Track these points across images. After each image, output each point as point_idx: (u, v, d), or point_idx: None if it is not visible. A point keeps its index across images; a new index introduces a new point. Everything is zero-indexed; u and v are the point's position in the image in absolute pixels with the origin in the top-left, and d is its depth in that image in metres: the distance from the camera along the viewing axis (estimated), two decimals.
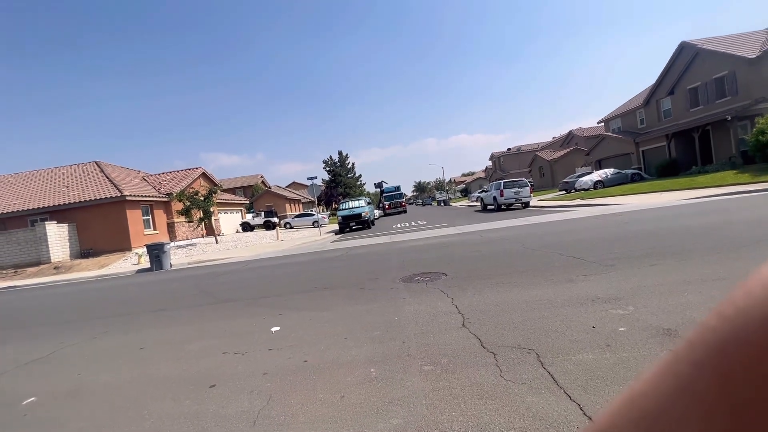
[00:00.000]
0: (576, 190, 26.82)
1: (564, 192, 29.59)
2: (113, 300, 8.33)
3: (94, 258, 19.29)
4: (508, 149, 64.49)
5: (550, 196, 29.07)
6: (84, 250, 20.56)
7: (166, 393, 3.03)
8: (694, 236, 6.36)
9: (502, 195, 20.09)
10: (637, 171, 26.46)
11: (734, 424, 0.19)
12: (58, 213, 20.71)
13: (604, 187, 25.10)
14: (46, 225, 19.11)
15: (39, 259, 19.00)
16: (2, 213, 20.88)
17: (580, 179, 27.26)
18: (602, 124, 36.76)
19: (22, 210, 20.84)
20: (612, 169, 26.88)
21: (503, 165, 61.69)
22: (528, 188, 20.26)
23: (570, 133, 51.23)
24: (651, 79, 29.27)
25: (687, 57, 24.89)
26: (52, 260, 18.90)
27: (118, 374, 3.60)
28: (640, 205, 13.22)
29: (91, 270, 16.39)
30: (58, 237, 19.62)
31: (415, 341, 3.36)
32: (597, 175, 26.68)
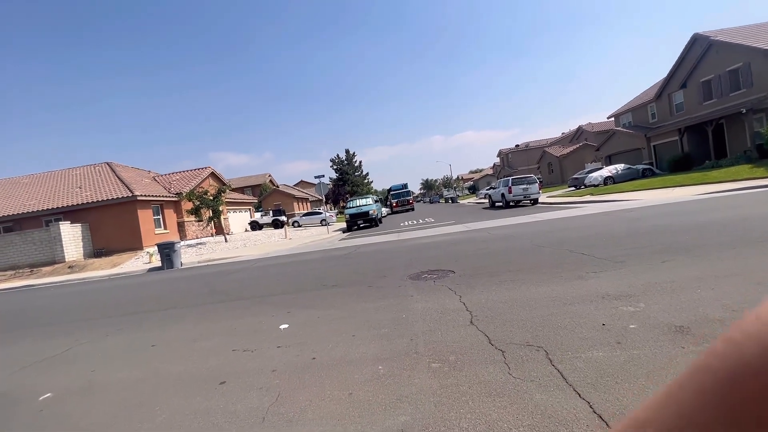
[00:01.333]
0: (586, 186, 26.45)
1: (573, 188, 29.22)
2: (125, 298, 8.47)
3: (107, 257, 19.63)
4: (516, 145, 63.83)
5: (559, 192, 28.78)
6: (97, 250, 20.96)
7: (178, 389, 3.07)
8: (707, 232, 6.23)
9: (510, 192, 19.93)
10: (648, 166, 25.97)
11: None
12: (71, 213, 21.13)
13: (614, 182, 24.70)
14: (60, 225, 19.52)
15: (54, 259, 19.41)
16: (18, 213, 21.38)
17: (590, 175, 26.87)
18: (612, 118, 36.15)
19: (37, 210, 21.31)
20: (622, 165, 26.42)
21: (511, 161, 61.12)
22: (536, 185, 20.06)
23: (579, 128, 50.54)
24: (662, 73, 28.70)
25: (700, 49, 24.32)
26: (67, 260, 19.29)
27: (130, 371, 3.66)
28: (651, 200, 13.01)
29: (103, 269, 16.68)
30: (71, 237, 20.01)
31: (422, 338, 3.36)
32: (607, 170, 26.25)
